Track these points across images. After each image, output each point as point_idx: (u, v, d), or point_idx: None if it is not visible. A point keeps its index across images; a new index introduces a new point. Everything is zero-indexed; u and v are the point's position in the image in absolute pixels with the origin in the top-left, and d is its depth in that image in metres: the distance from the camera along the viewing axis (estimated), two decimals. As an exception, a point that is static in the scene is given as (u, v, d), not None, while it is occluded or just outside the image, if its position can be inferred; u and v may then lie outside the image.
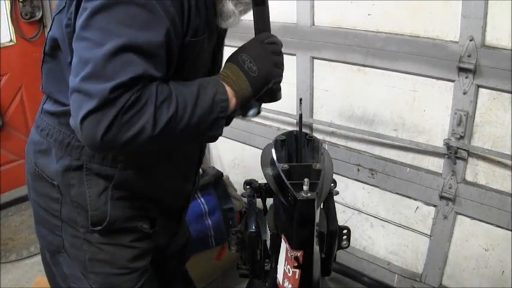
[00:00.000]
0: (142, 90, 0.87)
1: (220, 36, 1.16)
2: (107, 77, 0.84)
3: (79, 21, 0.89)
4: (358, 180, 2.19)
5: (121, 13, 0.85)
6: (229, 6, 1.03)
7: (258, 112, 1.25)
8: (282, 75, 1.12)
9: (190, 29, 0.98)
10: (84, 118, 0.84)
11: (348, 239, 1.36)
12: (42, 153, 1.15)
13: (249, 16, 1.11)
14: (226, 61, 1.08)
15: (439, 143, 1.87)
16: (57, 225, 1.17)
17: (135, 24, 0.86)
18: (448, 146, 1.80)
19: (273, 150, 1.32)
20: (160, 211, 1.23)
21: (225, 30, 1.19)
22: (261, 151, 1.42)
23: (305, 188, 1.02)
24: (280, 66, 1.10)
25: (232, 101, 1.02)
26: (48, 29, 1.09)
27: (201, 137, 1.04)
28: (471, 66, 1.66)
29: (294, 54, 2.19)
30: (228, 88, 1.01)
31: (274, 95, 1.16)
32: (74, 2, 0.94)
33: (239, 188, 2.06)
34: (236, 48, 1.07)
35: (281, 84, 1.18)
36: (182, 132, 0.94)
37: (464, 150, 1.78)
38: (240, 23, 1.09)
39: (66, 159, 1.10)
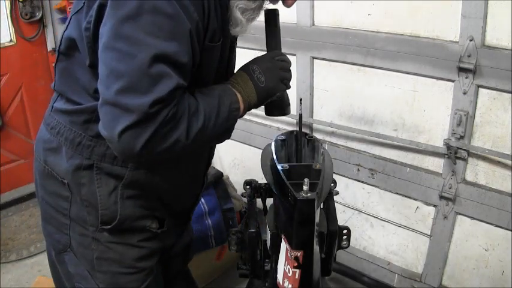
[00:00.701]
0: (178, 105, 0.90)
1: (232, 40, 1.17)
2: (143, 91, 0.85)
3: (104, 29, 0.89)
4: (358, 180, 2.19)
5: (148, 23, 0.86)
6: (237, 14, 1.04)
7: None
8: (285, 90, 1.19)
9: (209, 32, 1.00)
10: (122, 132, 0.86)
11: (348, 239, 1.36)
12: (52, 151, 1.14)
13: (260, 17, 1.15)
14: (239, 69, 1.15)
15: (439, 143, 1.87)
16: (65, 224, 1.17)
17: (162, 34, 0.87)
18: (448, 146, 1.80)
19: (273, 150, 1.32)
20: (169, 211, 1.23)
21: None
22: (261, 151, 1.42)
23: (305, 188, 1.02)
24: (286, 82, 1.17)
25: (241, 108, 1.09)
26: (64, 29, 1.08)
27: (216, 141, 1.15)
28: (471, 66, 1.66)
29: (294, 54, 2.19)
30: (238, 95, 1.08)
31: (283, 109, 1.24)
32: (95, 6, 0.93)
33: (239, 188, 2.06)
34: (247, 50, 1.10)
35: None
36: (206, 139, 1.02)
37: (464, 150, 1.78)
38: (248, 30, 1.10)
39: (77, 158, 1.10)
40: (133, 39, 0.86)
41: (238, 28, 1.06)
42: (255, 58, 1.16)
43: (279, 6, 1.14)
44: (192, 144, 0.95)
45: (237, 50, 1.27)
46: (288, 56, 1.15)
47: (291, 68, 1.22)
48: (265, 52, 1.22)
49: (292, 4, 1.10)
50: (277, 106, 1.22)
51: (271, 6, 1.16)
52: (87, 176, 1.10)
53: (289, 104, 1.26)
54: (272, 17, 1.19)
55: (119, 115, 0.86)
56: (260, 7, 1.08)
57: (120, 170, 1.10)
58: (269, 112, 1.25)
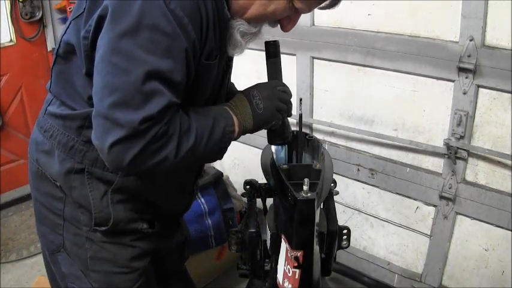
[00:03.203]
0: (169, 123, 0.91)
1: (229, 58, 1.17)
2: (135, 107, 0.86)
3: (102, 42, 0.90)
4: (358, 180, 2.19)
5: (146, 39, 0.86)
6: (237, 37, 1.04)
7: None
8: (281, 120, 1.18)
9: (206, 50, 1.00)
10: (112, 145, 0.87)
11: (348, 239, 1.36)
12: (44, 153, 1.15)
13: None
14: (239, 92, 1.15)
15: (439, 143, 1.87)
16: (58, 224, 1.17)
17: (158, 51, 0.88)
18: (448, 146, 1.80)
19: (273, 150, 1.33)
20: (158, 215, 1.24)
21: None
22: (261, 151, 1.42)
23: (305, 188, 1.02)
24: (282, 113, 1.17)
25: (236, 131, 1.08)
26: (63, 32, 1.08)
27: (207, 160, 1.18)
28: (471, 66, 1.66)
29: (294, 54, 2.19)
30: (234, 118, 1.08)
31: (285, 138, 1.24)
32: (95, 17, 0.93)
33: (239, 188, 2.06)
34: (246, 50, 1.10)
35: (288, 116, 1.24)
36: (197, 158, 1.01)
37: (464, 150, 1.78)
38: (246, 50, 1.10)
39: (69, 162, 1.10)
40: (129, 55, 0.87)
41: (237, 50, 1.07)
42: (257, 84, 1.16)
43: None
44: (181, 162, 0.95)
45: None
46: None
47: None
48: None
49: (290, 29, 1.09)
50: (279, 135, 1.22)
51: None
52: (78, 180, 1.11)
53: (291, 131, 1.26)
54: (272, 48, 1.19)
55: (109, 128, 0.87)
56: (259, 32, 1.07)
57: (110, 175, 1.11)
58: (270, 141, 1.24)
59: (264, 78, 1.21)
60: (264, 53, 1.21)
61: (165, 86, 0.89)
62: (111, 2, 0.88)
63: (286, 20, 1.07)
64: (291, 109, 1.21)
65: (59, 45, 1.08)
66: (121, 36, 0.87)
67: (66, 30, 1.07)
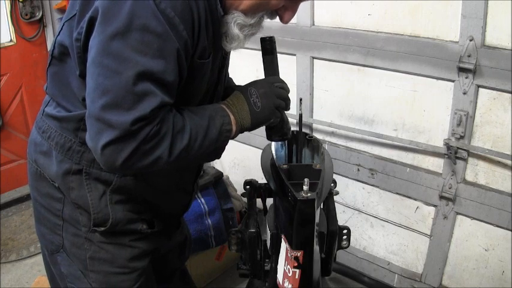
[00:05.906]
0: (162, 123, 0.91)
1: (224, 54, 1.17)
2: (127, 108, 0.87)
3: (93, 43, 0.90)
4: (358, 180, 2.19)
5: (136, 40, 0.87)
6: (235, 30, 1.03)
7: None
8: (279, 117, 1.17)
9: (198, 49, 0.99)
10: (105, 146, 0.88)
11: (348, 239, 1.36)
12: (43, 154, 1.15)
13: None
14: (236, 90, 1.14)
15: (439, 143, 1.87)
16: (58, 224, 1.18)
17: (150, 52, 0.88)
18: (448, 146, 1.80)
19: (273, 150, 1.33)
20: (157, 215, 1.25)
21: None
22: (261, 151, 1.42)
23: (305, 188, 1.02)
24: (281, 110, 1.16)
25: (233, 130, 1.08)
26: (57, 34, 1.09)
27: (204, 160, 1.16)
28: (471, 66, 1.66)
29: (294, 54, 2.19)
30: (231, 117, 1.07)
31: (284, 134, 1.23)
32: (86, 19, 0.94)
33: (239, 188, 2.06)
34: (245, 49, 1.10)
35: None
36: (191, 158, 1.00)
37: (464, 150, 1.78)
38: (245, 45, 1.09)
39: (67, 163, 1.11)
40: (120, 57, 0.87)
41: (234, 44, 1.05)
42: (254, 81, 1.15)
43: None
44: (175, 162, 0.95)
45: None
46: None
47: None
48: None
49: (289, 20, 1.08)
50: (278, 131, 1.22)
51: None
52: (77, 181, 1.12)
53: (290, 128, 1.25)
54: (268, 45, 1.18)
55: (102, 129, 0.88)
56: (259, 23, 1.06)
57: (108, 176, 1.11)
58: (269, 137, 1.24)
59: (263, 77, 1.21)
60: None
61: (156, 87, 0.89)
62: (101, 3, 0.88)
63: (282, 10, 1.05)
64: (289, 104, 1.20)
65: (54, 47, 1.08)
66: (111, 38, 0.86)
67: (59, 32, 1.07)
